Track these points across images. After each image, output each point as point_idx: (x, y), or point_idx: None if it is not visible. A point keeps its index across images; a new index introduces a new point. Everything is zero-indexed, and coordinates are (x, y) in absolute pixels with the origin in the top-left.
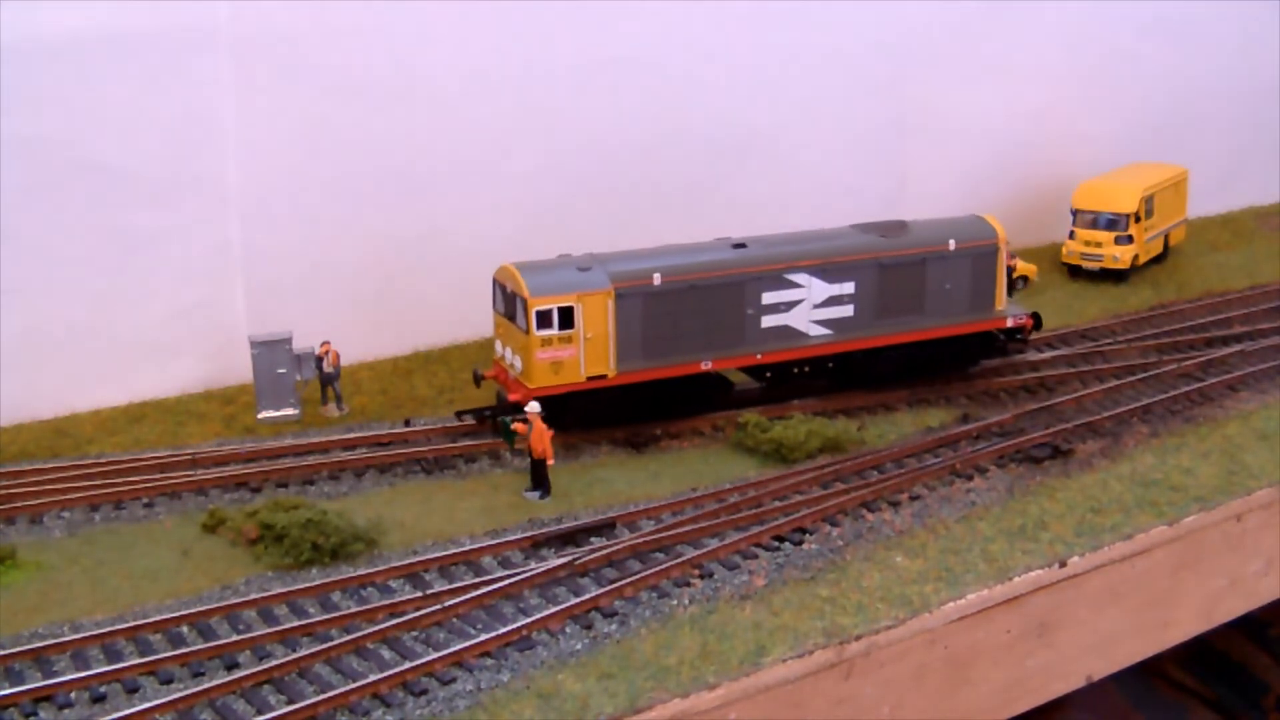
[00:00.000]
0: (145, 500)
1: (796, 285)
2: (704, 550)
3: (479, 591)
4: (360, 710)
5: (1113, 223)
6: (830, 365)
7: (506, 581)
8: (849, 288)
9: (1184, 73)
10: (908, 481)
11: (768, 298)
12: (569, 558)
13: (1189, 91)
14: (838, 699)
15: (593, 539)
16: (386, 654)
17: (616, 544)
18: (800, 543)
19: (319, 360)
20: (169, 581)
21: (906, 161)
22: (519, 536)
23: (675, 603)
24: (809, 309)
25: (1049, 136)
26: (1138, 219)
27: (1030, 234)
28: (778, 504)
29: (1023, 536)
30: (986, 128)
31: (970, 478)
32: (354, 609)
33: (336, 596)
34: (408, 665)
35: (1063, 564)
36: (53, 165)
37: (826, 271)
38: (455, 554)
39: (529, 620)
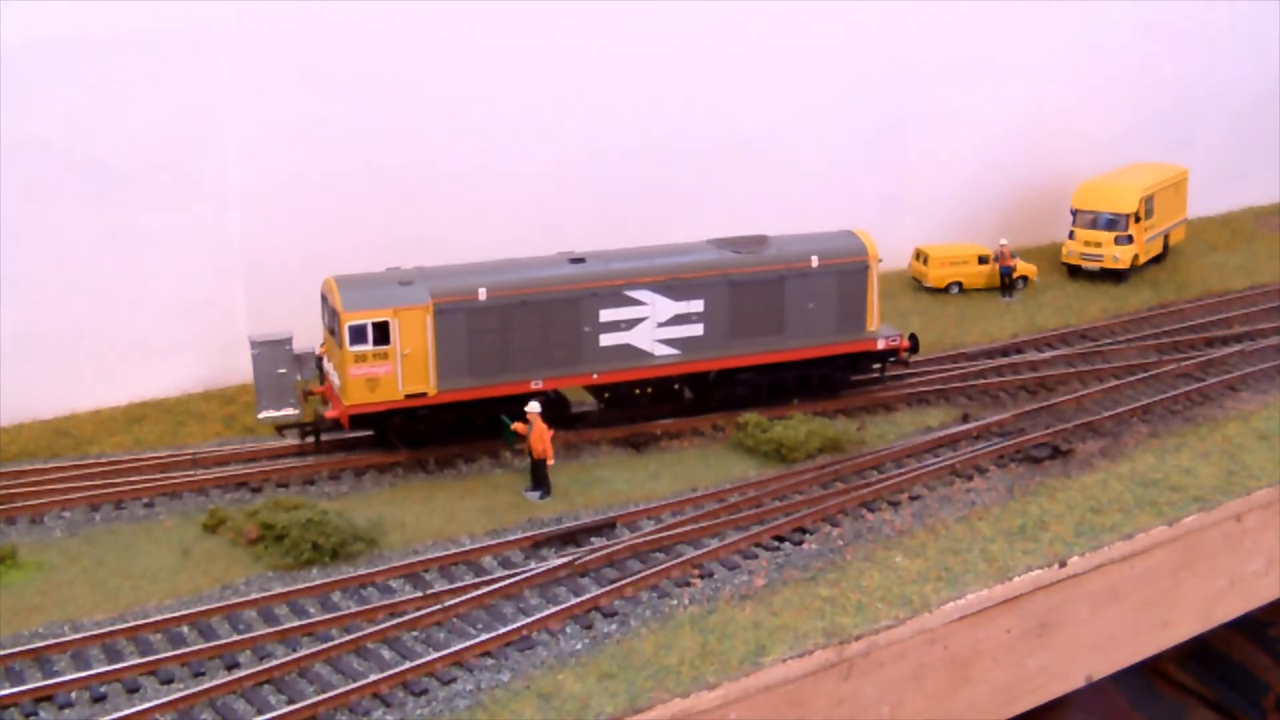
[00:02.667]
0: (145, 500)
1: (638, 302)
2: (704, 550)
3: (479, 591)
4: (360, 710)
5: (1112, 223)
6: (676, 386)
7: (507, 581)
8: (697, 306)
9: (1184, 73)
10: (908, 481)
11: (606, 315)
12: (569, 558)
13: (1189, 91)
14: (838, 699)
15: (593, 539)
16: (387, 654)
17: (616, 544)
18: (800, 543)
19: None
20: (169, 581)
21: (906, 161)
22: (519, 536)
23: (675, 603)
24: (653, 327)
25: (1049, 136)
26: (1137, 219)
27: (1030, 234)
28: (778, 504)
29: (1023, 536)
30: (986, 128)
31: (970, 478)
32: (354, 609)
33: (337, 596)
34: (408, 665)
35: (1063, 564)
36: (53, 165)
37: (671, 288)
38: (455, 554)
39: (529, 620)
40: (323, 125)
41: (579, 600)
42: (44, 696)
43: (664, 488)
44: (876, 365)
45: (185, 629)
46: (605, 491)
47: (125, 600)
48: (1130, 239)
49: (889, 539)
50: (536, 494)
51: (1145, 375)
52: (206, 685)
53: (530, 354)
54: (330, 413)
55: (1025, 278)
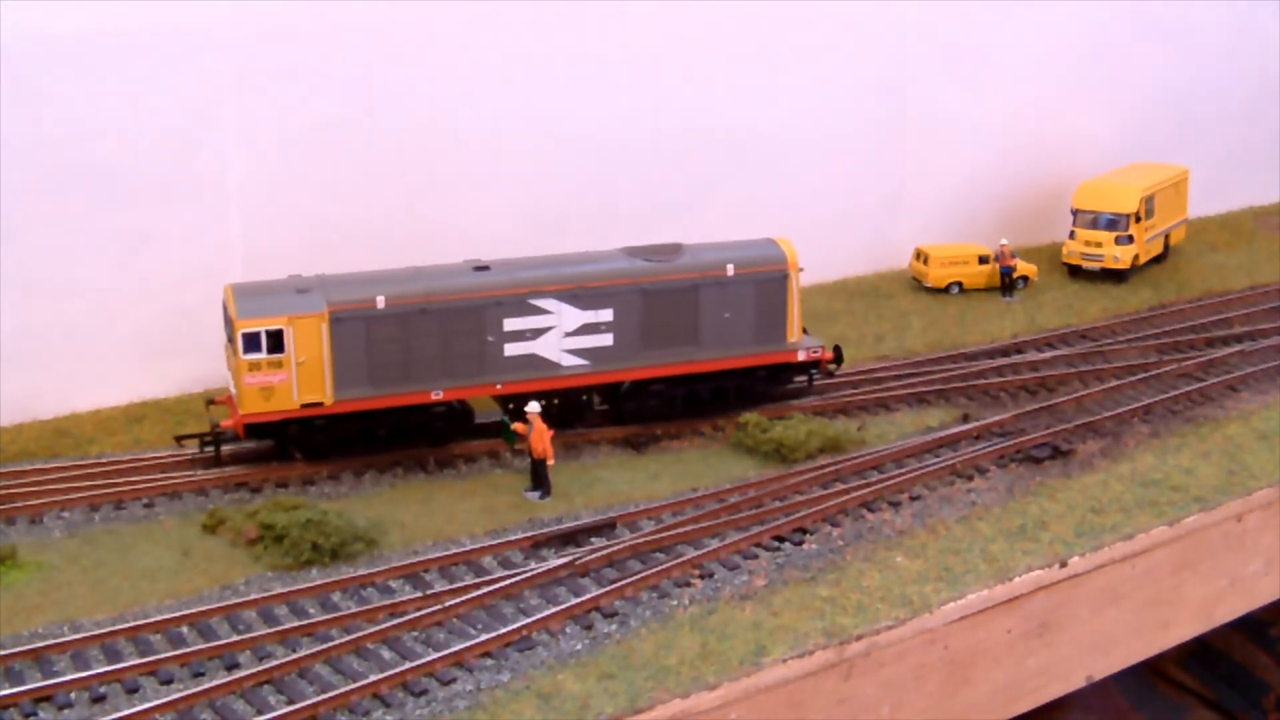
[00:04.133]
0: (145, 500)
1: (544, 311)
2: (704, 550)
3: (479, 592)
4: (360, 710)
5: (1113, 223)
6: (585, 398)
7: (507, 582)
8: (606, 315)
9: (1184, 73)
10: (908, 481)
11: (510, 324)
12: (569, 558)
13: (1189, 91)
14: (838, 699)
15: (593, 539)
16: (386, 654)
17: (617, 544)
18: (800, 543)
19: None
20: (169, 581)
21: (906, 161)
22: (519, 536)
23: (675, 603)
24: (559, 337)
25: (1049, 136)
26: (1138, 219)
27: (1030, 234)
28: (778, 504)
29: (1023, 536)
30: (986, 128)
31: (970, 478)
32: (354, 609)
33: (336, 597)
34: (408, 665)
35: (1063, 564)
36: (53, 165)
37: (579, 297)
38: (455, 554)
39: (529, 620)
40: (323, 125)
41: (579, 600)
42: (44, 696)
43: (664, 488)
44: (803, 376)
45: (185, 629)
46: (605, 491)
47: (125, 600)
48: (1130, 239)
49: (889, 539)
50: (536, 494)
51: (1146, 375)
52: (206, 685)
53: (432, 364)
54: (225, 422)
55: (1025, 278)
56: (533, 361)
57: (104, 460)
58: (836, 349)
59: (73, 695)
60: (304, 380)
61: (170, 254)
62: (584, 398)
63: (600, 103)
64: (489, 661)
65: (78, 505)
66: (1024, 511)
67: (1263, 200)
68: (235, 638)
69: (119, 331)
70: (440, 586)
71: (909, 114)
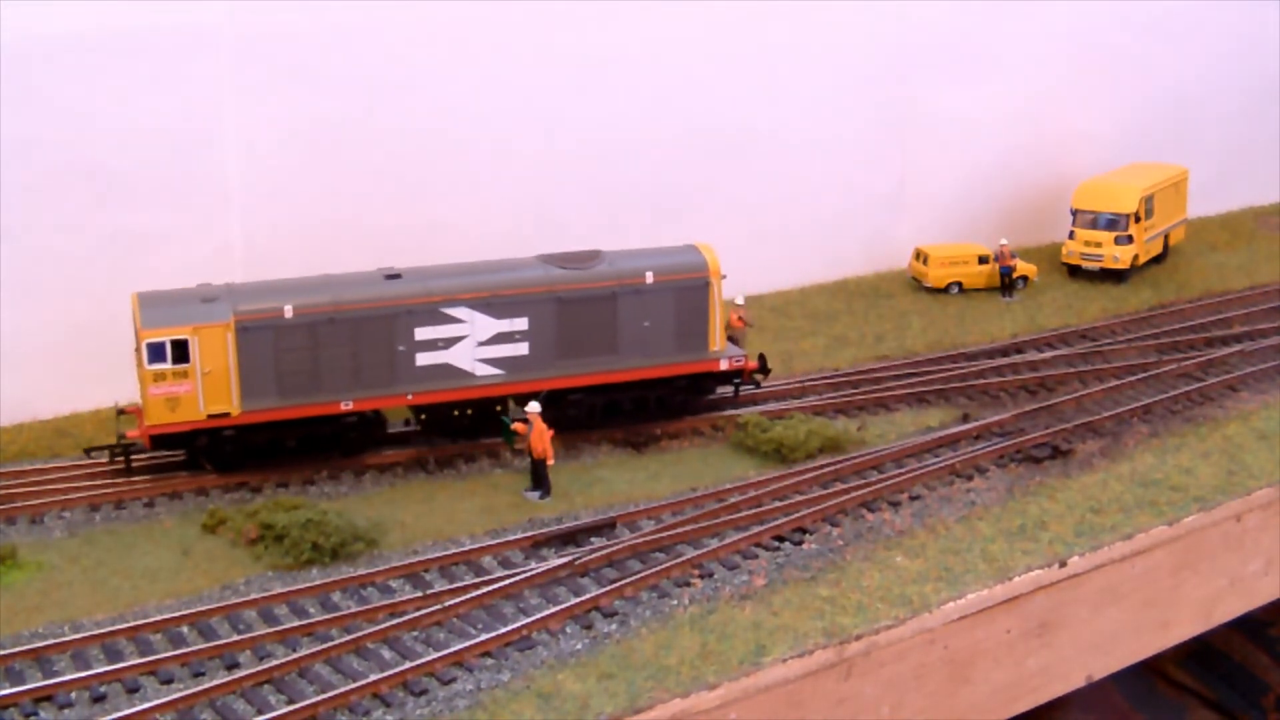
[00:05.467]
0: (145, 500)
1: (456, 320)
2: (704, 550)
3: (479, 591)
4: (360, 710)
5: (1113, 223)
6: (499, 408)
7: (507, 581)
8: (521, 324)
9: (1184, 73)
10: (908, 481)
11: (422, 333)
12: (569, 558)
13: (1189, 91)
14: (838, 699)
15: (593, 539)
16: (386, 654)
17: (616, 544)
18: (800, 543)
19: None
20: (169, 581)
21: (906, 161)
22: (519, 536)
23: (675, 603)
24: (473, 346)
25: (1049, 136)
26: (1138, 219)
27: (1030, 234)
28: (778, 504)
29: (1023, 536)
30: (987, 128)
31: (970, 478)
32: (354, 609)
33: (337, 596)
34: (408, 665)
35: (1063, 564)
36: (53, 165)
37: (492, 306)
38: (455, 554)
39: (529, 620)
40: (322, 125)
41: (579, 600)
42: (44, 696)
43: (664, 488)
44: (729, 385)
45: (185, 629)
46: (605, 491)
47: (125, 600)
48: (1130, 239)
49: (889, 539)
50: (536, 494)
51: (1145, 375)
52: (206, 685)
53: (342, 373)
54: (132, 433)
55: (1025, 278)
56: (446, 371)
57: (104, 460)
58: (761, 358)
59: (73, 695)
60: (210, 390)
61: (170, 254)
62: (498, 408)
63: (600, 103)
64: (489, 661)
65: (78, 505)
66: (1024, 511)
67: (1263, 200)
68: (235, 637)
69: (119, 331)
70: (440, 586)
71: (909, 114)
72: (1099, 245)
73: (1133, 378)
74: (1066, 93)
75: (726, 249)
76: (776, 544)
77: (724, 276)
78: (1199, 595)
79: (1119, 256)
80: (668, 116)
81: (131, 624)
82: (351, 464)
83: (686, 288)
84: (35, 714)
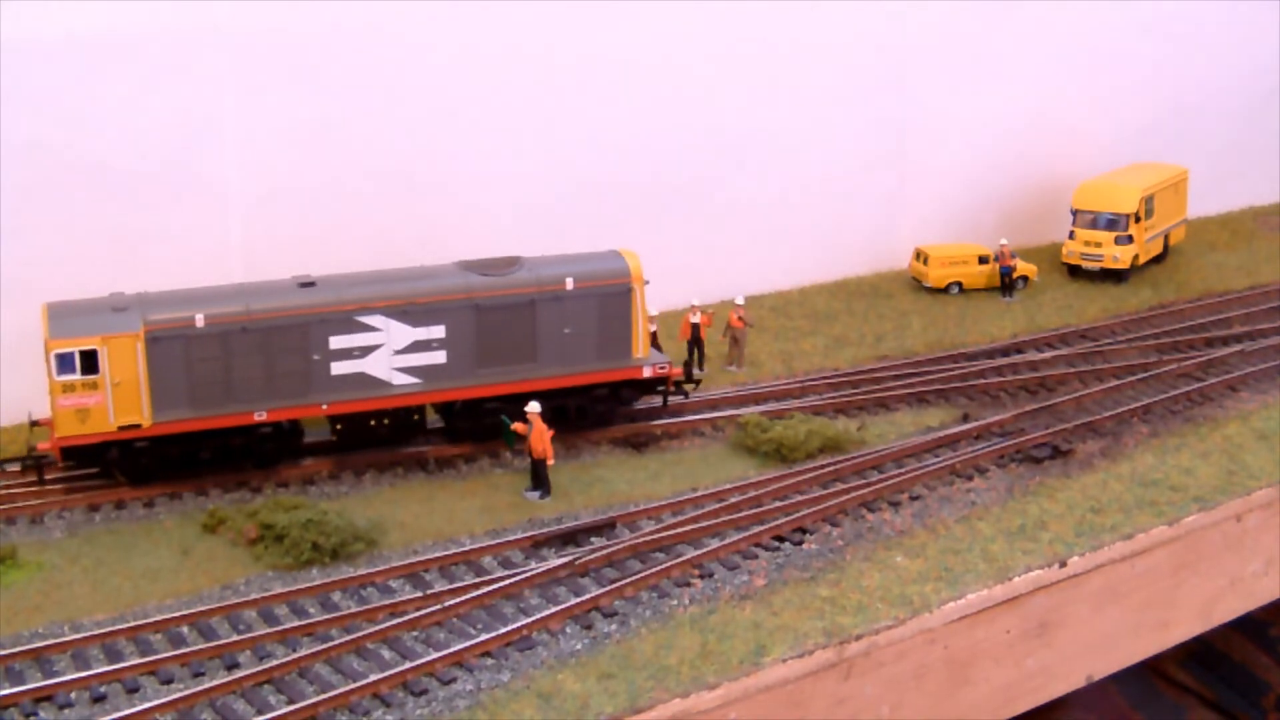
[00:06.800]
0: (145, 500)
1: (372, 329)
2: (704, 550)
3: (479, 591)
4: (360, 710)
5: (1113, 223)
6: (416, 417)
7: (507, 581)
8: (438, 332)
9: (1184, 73)
10: (908, 481)
11: (336, 342)
12: (569, 558)
13: (1189, 91)
14: (838, 699)
15: (593, 539)
16: (387, 654)
17: (616, 544)
18: (800, 543)
19: None
20: (169, 581)
21: (906, 161)
22: (519, 536)
23: (675, 603)
24: (389, 355)
25: (1049, 136)
26: (1138, 219)
27: (1030, 234)
28: (778, 504)
29: (1023, 536)
30: (987, 127)
31: (970, 478)
32: (354, 609)
33: (337, 596)
34: (408, 665)
35: (1063, 564)
36: (53, 165)
37: (408, 314)
38: (455, 554)
39: (529, 620)
40: (323, 125)
41: (579, 600)
42: (44, 696)
43: (664, 488)
44: (654, 395)
45: (185, 629)
46: (605, 491)
47: (125, 600)
48: (1130, 239)
49: (889, 539)
50: (536, 494)
51: (1145, 375)
52: (206, 685)
53: (255, 383)
54: (43, 445)
55: (1025, 278)
56: (362, 380)
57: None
58: (686, 365)
59: (73, 695)
60: (120, 401)
61: (170, 254)
62: (415, 417)
63: (600, 103)
64: (489, 661)
65: (78, 505)
66: (1024, 511)
67: (1263, 200)
68: (235, 637)
69: None
70: (440, 586)
71: (909, 114)
72: (1099, 245)
73: (1133, 378)
74: (1067, 93)
75: (726, 249)
76: (776, 544)
77: (647, 282)
78: (1199, 595)
79: (1119, 256)
80: (668, 116)
81: (131, 624)
82: (356, 463)
83: (608, 294)
84: (35, 714)
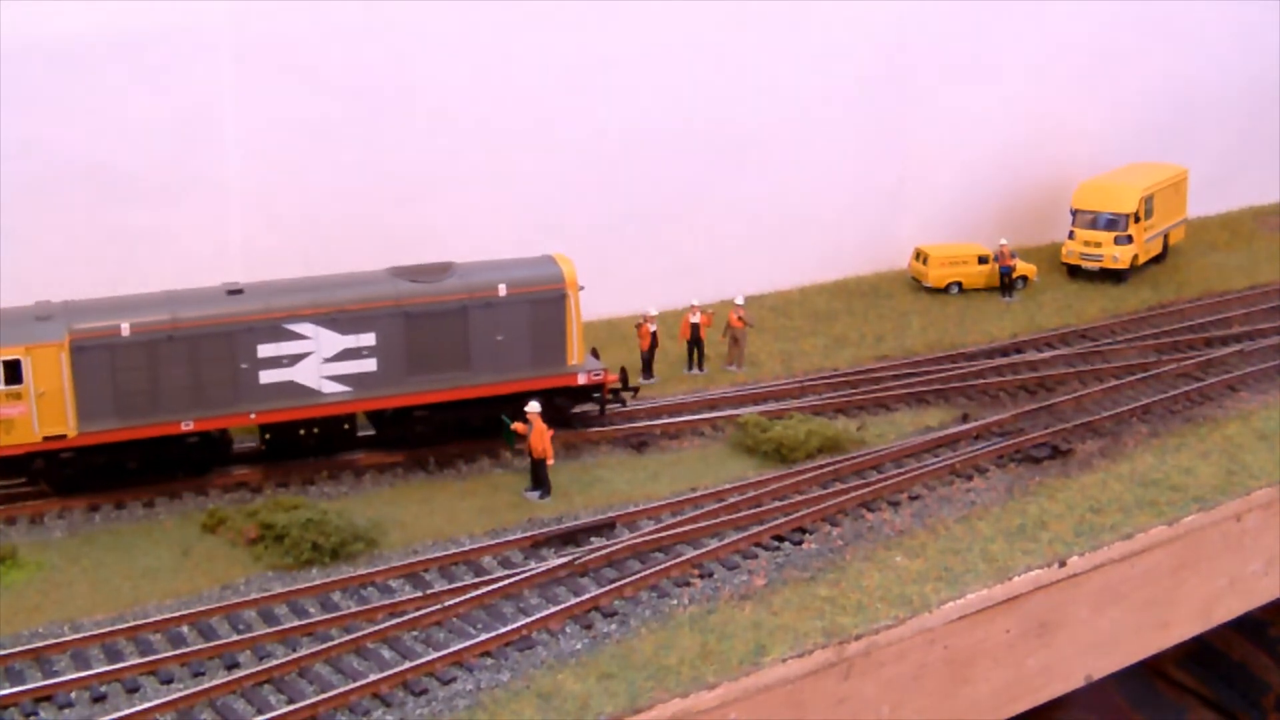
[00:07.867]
0: (145, 500)
1: (300, 337)
2: (704, 550)
3: (479, 591)
4: (360, 710)
5: (1112, 223)
6: (347, 426)
7: (506, 581)
8: (368, 339)
9: (1184, 73)
10: (908, 481)
11: (265, 350)
12: (569, 558)
13: (1189, 91)
14: (838, 699)
15: (593, 539)
16: (386, 654)
17: (616, 544)
18: (800, 543)
19: None
20: (169, 581)
21: (906, 161)
22: (519, 536)
23: (675, 603)
24: (319, 363)
25: (1049, 136)
26: (1137, 219)
27: (1030, 234)
28: (778, 504)
29: (1023, 536)
30: (986, 127)
31: (970, 478)
32: (354, 609)
33: (336, 596)
34: (408, 665)
35: (1063, 564)
36: (53, 165)
37: (337, 321)
38: (455, 554)
39: (529, 620)
40: (323, 125)
41: (579, 600)
42: (44, 696)
43: (664, 488)
44: (591, 403)
45: (185, 629)
46: (605, 491)
47: (125, 600)
48: (1130, 239)
49: (889, 539)
50: (536, 494)
51: (1145, 375)
52: (206, 685)
53: (182, 393)
54: None
55: (1025, 278)
56: (291, 389)
57: None
58: (622, 371)
59: (73, 695)
60: (45, 412)
61: (170, 254)
62: (345, 426)
63: (600, 103)
64: (489, 661)
65: (78, 505)
66: (1023, 511)
67: (1263, 200)
68: (235, 637)
69: None
70: (440, 586)
71: (909, 113)
72: (1099, 245)
73: (1132, 378)
74: (1066, 92)
75: (726, 249)
76: (776, 544)
77: (582, 288)
78: (1199, 595)
79: (1119, 256)
80: (667, 116)
81: (131, 624)
82: (356, 463)
83: (542, 300)
84: (35, 714)
